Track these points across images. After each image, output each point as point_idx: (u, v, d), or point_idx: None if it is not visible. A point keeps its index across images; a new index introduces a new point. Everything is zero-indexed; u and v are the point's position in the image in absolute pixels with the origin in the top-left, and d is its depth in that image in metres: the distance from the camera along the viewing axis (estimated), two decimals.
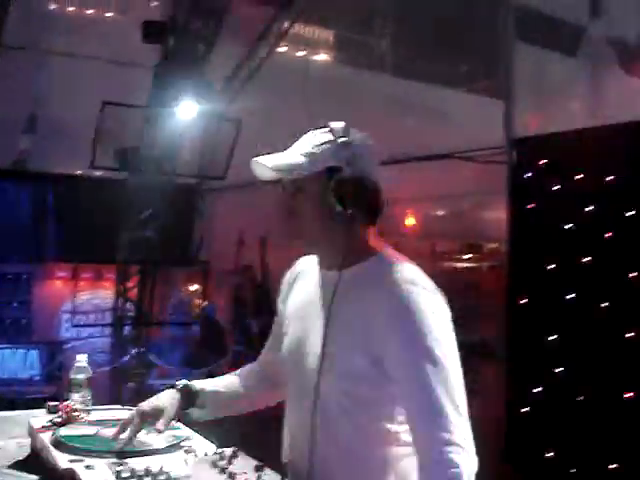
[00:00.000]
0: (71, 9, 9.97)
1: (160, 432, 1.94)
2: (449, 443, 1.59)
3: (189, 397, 2.04)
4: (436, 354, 1.66)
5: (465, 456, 1.60)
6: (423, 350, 1.66)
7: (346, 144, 1.79)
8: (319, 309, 1.84)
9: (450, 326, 1.74)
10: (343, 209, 1.76)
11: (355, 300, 1.77)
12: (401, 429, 1.77)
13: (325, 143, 1.81)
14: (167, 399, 2.01)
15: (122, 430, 1.94)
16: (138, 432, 1.94)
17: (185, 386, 2.05)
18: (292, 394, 1.98)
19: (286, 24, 8.97)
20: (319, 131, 1.86)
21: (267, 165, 1.81)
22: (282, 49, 9.85)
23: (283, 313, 2.07)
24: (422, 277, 1.78)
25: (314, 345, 1.82)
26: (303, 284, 1.99)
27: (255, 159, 1.83)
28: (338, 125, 1.84)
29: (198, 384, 2.08)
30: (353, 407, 1.77)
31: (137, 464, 1.79)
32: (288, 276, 2.10)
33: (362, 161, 1.79)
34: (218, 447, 1.97)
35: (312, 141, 1.83)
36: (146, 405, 1.99)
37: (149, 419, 1.96)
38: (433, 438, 1.61)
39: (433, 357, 1.66)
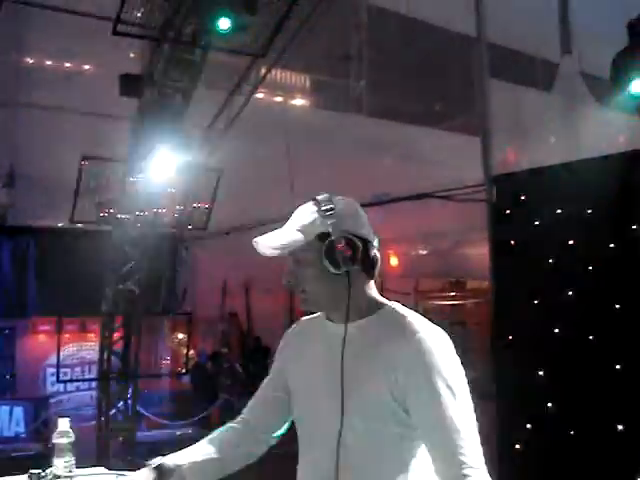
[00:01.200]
0: (49, 63, 10.02)
1: None
2: (469, 465, 1.80)
3: (164, 475, 2.04)
4: (454, 389, 1.87)
5: (482, 476, 1.81)
6: (444, 386, 1.86)
7: (330, 210, 1.97)
8: (329, 363, 1.97)
9: (460, 364, 1.93)
10: (338, 268, 1.94)
11: (369, 349, 1.95)
12: (422, 459, 1.93)
13: (312, 214, 1.99)
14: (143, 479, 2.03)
15: None
16: None
17: (159, 465, 2.05)
18: (308, 447, 2.05)
19: (263, 71, 9.04)
20: (306, 205, 2.03)
21: (266, 245, 1.98)
22: (260, 96, 9.92)
23: (283, 374, 2.17)
24: (431, 324, 1.97)
25: (332, 397, 1.94)
26: (308, 342, 2.11)
27: (255, 240, 1.99)
28: (322, 196, 2.01)
29: (173, 459, 2.08)
30: (377, 447, 1.92)
31: None
32: (287, 338, 2.22)
33: (347, 222, 1.97)
34: None
35: (301, 215, 2.01)
36: None
37: None
38: (454, 461, 1.81)
39: (452, 392, 1.86)
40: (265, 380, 2.25)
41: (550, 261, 5.53)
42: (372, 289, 2.06)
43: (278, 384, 2.18)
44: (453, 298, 13.07)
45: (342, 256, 1.93)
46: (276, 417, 2.20)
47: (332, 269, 1.95)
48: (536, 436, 5.55)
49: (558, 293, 5.43)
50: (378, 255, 2.05)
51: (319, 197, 2.02)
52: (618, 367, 5.06)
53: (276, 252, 1.99)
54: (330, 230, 1.95)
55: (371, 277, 2.04)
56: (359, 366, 1.94)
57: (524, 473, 5.59)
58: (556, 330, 5.45)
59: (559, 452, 5.34)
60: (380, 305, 2.05)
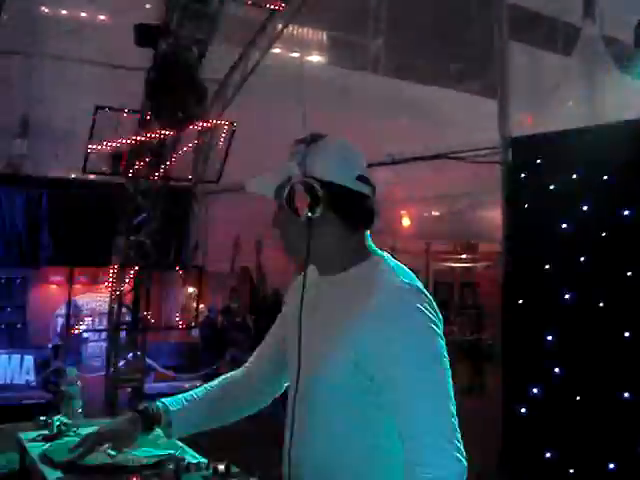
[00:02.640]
0: (64, 12, 9.93)
1: (113, 456, 1.93)
2: (438, 444, 1.62)
3: (151, 419, 1.99)
4: (422, 352, 1.69)
5: (452, 459, 1.62)
6: (409, 348, 1.68)
7: (296, 153, 1.82)
8: (306, 313, 1.85)
9: (437, 325, 1.73)
10: (297, 215, 1.79)
11: (339, 301, 1.80)
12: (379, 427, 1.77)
13: (289, 155, 1.84)
14: (126, 423, 1.98)
15: (80, 445, 1.94)
16: (90, 452, 1.92)
17: (146, 408, 2.00)
18: (288, 396, 1.96)
19: (280, 26, 8.95)
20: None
21: (248, 188, 1.86)
22: (276, 51, 9.83)
23: (283, 323, 2.07)
24: (411, 278, 1.78)
25: (293, 356, 1.84)
26: (299, 294, 1.96)
27: (246, 183, 1.86)
28: (304, 136, 1.85)
29: (164, 403, 2.02)
30: (329, 405, 1.79)
31: None
32: (291, 287, 2.11)
33: (316, 167, 1.80)
34: (210, 461, 1.94)
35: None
36: (106, 428, 1.98)
37: (106, 442, 1.94)
38: (423, 439, 1.63)
39: (420, 355, 1.68)
40: (270, 331, 2.15)
41: (563, 226, 5.50)
42: (356, 241, 1.86)
43: (279, 336, 2.08)
44: (464, 260, 13.07)
45: (300, 202, 1.78)
46: (277, 370, 2.08)
47: (292, 215, 1.79)
48: (542, 400, 5.56)
49: (570, 258, 5.41)
50: (369, 206, 1.84)
51: (303, 137, 1.85)
52: (627, 335, 5.04)
53: (257, 192, 1.87)
54: (293, 174, 1.80)
55: (354, 228, 1.84)
56: (322, 324, 1.81)
57: (528, 436, 5.61)
58: (566, 296, 5.43)
59: (564, 417, 5.35)
60: (362, 258, 1.85)
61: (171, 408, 2.00)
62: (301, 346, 1.80)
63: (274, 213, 1.89)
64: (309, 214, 1.77)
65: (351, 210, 1.82)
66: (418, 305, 1.72)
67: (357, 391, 1.75)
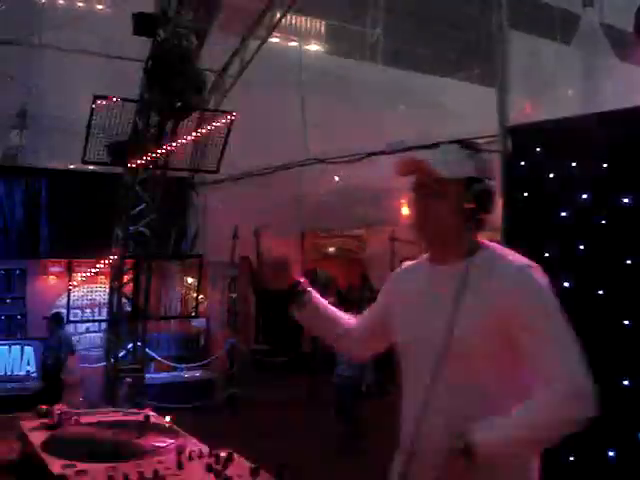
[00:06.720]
0: (62, 2, 9.91)
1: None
2: (580, 371, 2.03)
3: (303, 288, 2.40)
4: (558, 313, 2.05)
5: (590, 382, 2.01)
6: (547, 308, 2.05)
7: (486, 161, 2.18)
8: (440, 299, 2.12)
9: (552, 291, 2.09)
10: (476, 215, 2.11)
11: (478, 286, 2.08)
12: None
13: (468, 155, 2.14)
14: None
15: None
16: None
17: (300, 283, 2.41)
18: (411, 377, 2.20)
19: (278, 15, 8.92)
20: (459, 145, 2.18)
21: (426, 164, 2.12)
22: (274, 40, 9.81)
23: (385, 309, 2.36)
24: (530, 261, 2.14)
25: (439, 329, 2.06)
26: (412, 279, 2.28)
27: (401, 158, 2.17)
28: (475, 142, 2.23)
29: (313, 292, 2.41)
30: (475, 360, 2.07)
31: (130, 468, 1.77)
32: (393, 278, 2.40)
33: (493, 176, 2.16)
34: (212, 449, 1.96)
35: (456, 152, 2.17)
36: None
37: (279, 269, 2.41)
38: (565, 367, 2.04)
39: (555, 314, 2.05)
40: (369, 309, 2.47)
41: (563, 214, 5.48)
42: (479, 236, 2.20)
43: (377, 316, 2.40)
44: None
45: (485, 205, 2.11)
46: (365, 341, 2.47)
47: (471, 213, 2.10)
48: None
49: (569, 246, 5.40)
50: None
51: (472, 142, 2.21)
52: (626, 323, 5.04)
53: (421, 174, 2.15)
54: (484, 178, 2.11)
55: (482, 227, 2.18)
56: (468, 299, 2.07)
57: None
58: (566, 284, 5.43)
59: None
60: (481, 248, 2.17)
61: (313, 298, 2.41)
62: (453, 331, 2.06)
63: (425, 204, 2.16)
64: (482, 216, 2.12)
65: (489, 209, 2.16)
66: (539, 277, 2.09)
67: (497, 347, 2.05)
